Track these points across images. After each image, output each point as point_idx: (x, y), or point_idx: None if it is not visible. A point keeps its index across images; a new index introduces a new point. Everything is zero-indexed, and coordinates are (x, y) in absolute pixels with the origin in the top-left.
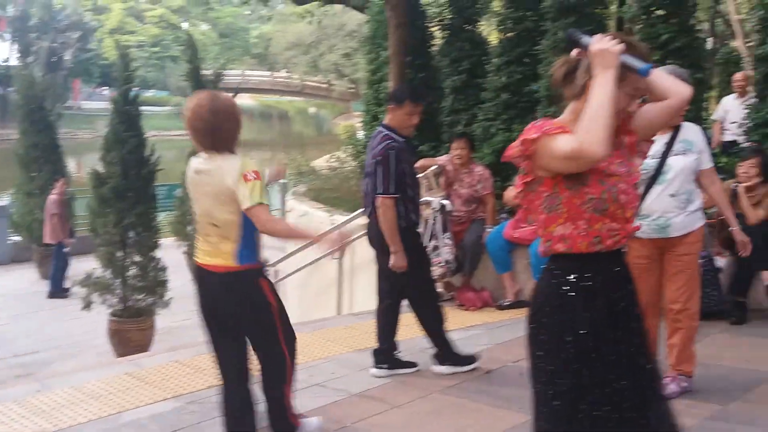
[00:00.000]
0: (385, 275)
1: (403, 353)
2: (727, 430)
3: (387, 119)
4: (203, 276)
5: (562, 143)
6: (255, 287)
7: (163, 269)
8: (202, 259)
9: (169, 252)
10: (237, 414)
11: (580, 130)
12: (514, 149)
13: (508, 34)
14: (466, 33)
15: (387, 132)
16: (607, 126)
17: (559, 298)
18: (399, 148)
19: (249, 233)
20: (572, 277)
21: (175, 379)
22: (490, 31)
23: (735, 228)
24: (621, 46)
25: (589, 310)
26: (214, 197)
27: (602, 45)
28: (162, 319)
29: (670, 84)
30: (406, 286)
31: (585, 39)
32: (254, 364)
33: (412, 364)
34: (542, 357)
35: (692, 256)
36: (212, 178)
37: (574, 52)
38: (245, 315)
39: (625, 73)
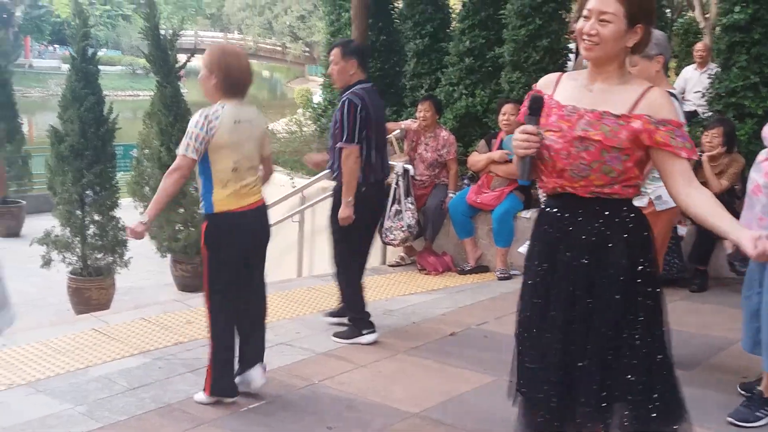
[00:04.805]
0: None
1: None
2: (692, 394)
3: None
4: (247, 215)
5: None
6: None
7: (123, 229)
8: (244, 201)
9: (127, 212)
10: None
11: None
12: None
13: None
14: None
15: None
16: None
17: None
18: None
19: None
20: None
21: (141, 335)
22: None
23: None
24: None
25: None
26: (255, 142)
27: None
28: (120, 279)
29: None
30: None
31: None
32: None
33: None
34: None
35: None
36: (254, 125)
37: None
38: (267, 239)
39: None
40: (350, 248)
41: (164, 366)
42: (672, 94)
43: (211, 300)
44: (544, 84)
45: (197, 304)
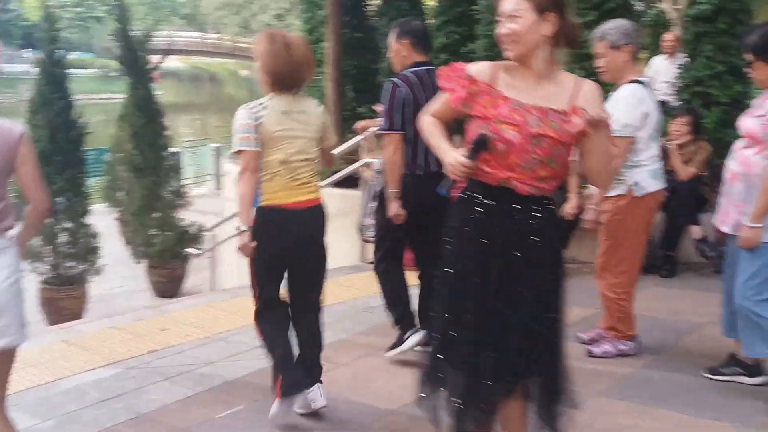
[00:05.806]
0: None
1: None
2: (659, 378)
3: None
4: (297, 215)
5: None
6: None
7: (95, 236)
8: (295, 198)
9: (100, 218)
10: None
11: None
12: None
13: None
14: None
15: None
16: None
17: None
18: None
19: None
20: (467, 195)
21: (113, 345)
22: None
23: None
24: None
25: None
26: (309, 134)
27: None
28: (95, 286)
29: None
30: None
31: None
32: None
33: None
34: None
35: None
36: (308, 117)
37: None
38: (322, 244)
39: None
40: (390, 245)
41: (137, 375)
42: (642, 83)
43: (258, 299)
44: (480, 70)
45: (171, 309)
